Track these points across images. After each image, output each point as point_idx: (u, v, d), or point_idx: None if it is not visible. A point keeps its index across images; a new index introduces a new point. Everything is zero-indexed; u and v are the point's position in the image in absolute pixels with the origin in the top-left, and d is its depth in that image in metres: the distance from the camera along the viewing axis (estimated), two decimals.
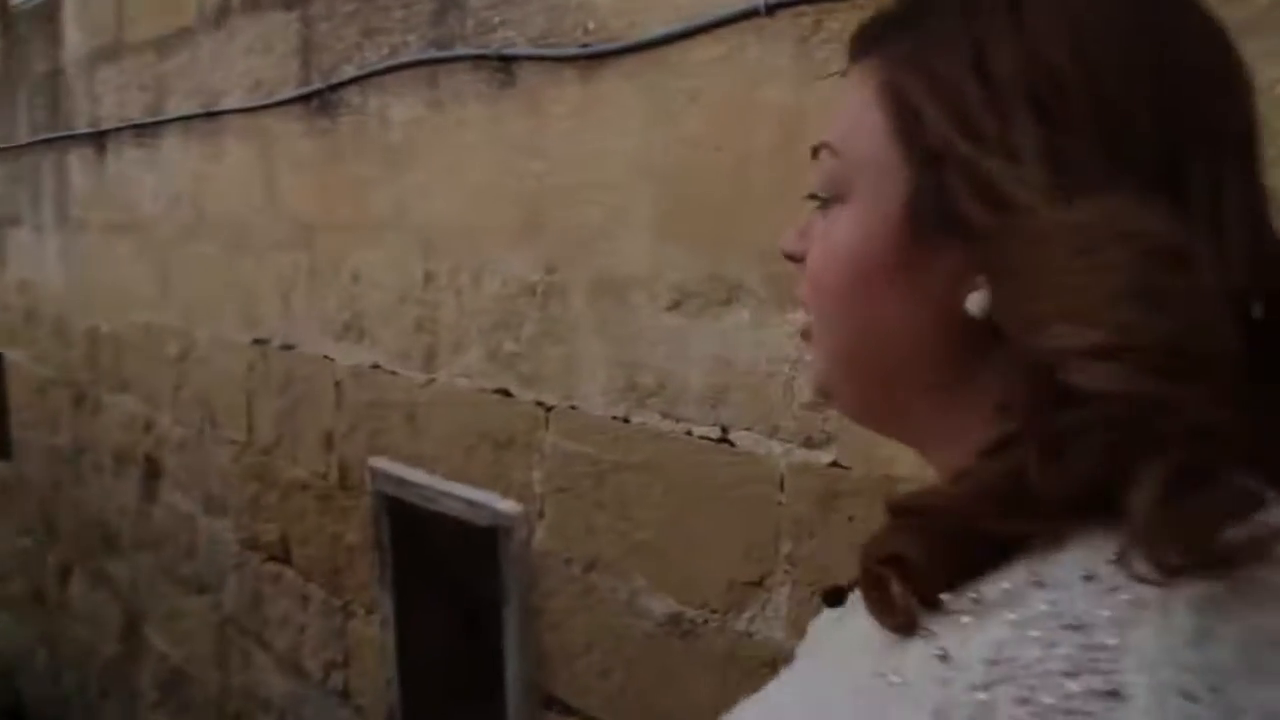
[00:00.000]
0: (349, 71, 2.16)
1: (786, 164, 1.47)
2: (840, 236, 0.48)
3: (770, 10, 1.42)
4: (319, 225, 2.38)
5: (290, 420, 2.61)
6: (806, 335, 0.54)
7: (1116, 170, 0.40)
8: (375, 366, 2.28)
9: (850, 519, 1.48)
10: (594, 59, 1.65)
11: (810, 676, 0.52)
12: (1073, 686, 0.33)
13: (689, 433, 1.65)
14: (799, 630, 1.59)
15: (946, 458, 0.47)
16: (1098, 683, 0.33)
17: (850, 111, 0.49)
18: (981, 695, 0.35)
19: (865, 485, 1.46)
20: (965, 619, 0.38)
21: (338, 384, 2.41)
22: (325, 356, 2.44)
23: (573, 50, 1.68)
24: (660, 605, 1.71)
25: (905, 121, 0.46)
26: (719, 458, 1.62)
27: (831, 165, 0.50)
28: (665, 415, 1.68)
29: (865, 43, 0.50)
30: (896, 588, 0.40)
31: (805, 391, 1.50)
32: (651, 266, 1.67)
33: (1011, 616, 0.36)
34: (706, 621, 1.66)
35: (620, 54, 1.61)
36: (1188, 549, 0.34)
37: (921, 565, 0.40)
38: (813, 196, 0.52)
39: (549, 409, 1.89)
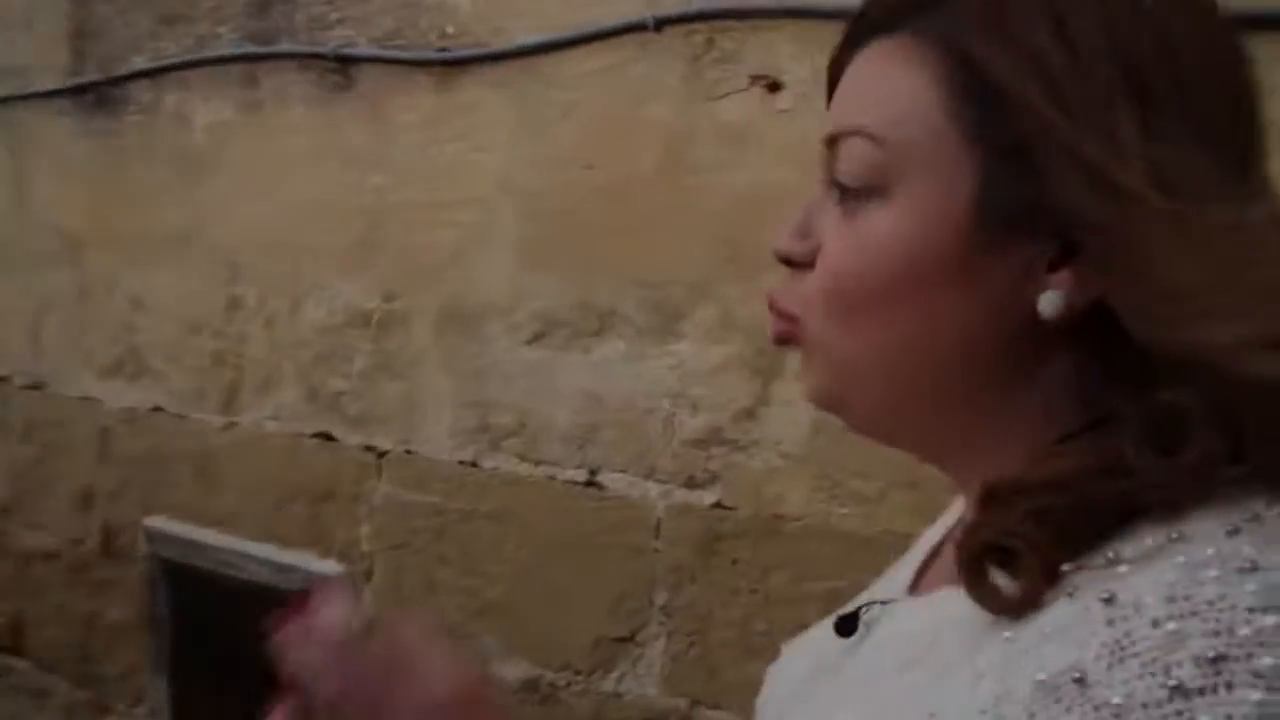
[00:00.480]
0: (139, 63, 1.86)
1: (670, 186, 1.39)
2: (883, 235, 0.43)
3: (659, 26, 1.35)
4: (89, 240, 2.02)
5: (33, 476, 2.17)
6: (789, 340, 0.48)
7: (1210, 159, 0.39)
8: (156, 409, 1.94)
9: (734, 562, 1.39)
10: (454, 65, 1.51)
11: (857, 702, 0.47)
12: (1266, 620, 0.33)
13: (552, 477, 1.51)
14: (675, 687, 1.46)
15: (981, 467, 0.43)
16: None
17: (888, 91, 0.44)
18: (1171, 625, 0.34)
19: (752, 526, 1.38)
20: (1122, 568, 0.37)
21: (104, 431, 2.03)
22: (87, 398, 2.06)
23: (428, 54, 1.53)
24: (514, 670, 1.53)
25: (980, 102, 0.41)
26: (586, 503, 1.48)
27: (870, 154, 0.43)
28: (524, 458, 1.53)
29: (890, 14, 0.45)
30: (1005, 573, 0.39)
31: (687, 427, 1.41)
32: (511, 294, 1.52)
33: (1180, 559, 0.35)
34: (569, 684, 1.50)
35: (485, 61, 1.48)
36: None
37: (1044, 539, 0.39)
38: (837, 186, 0.45)
39: (382, 454, 1.67)
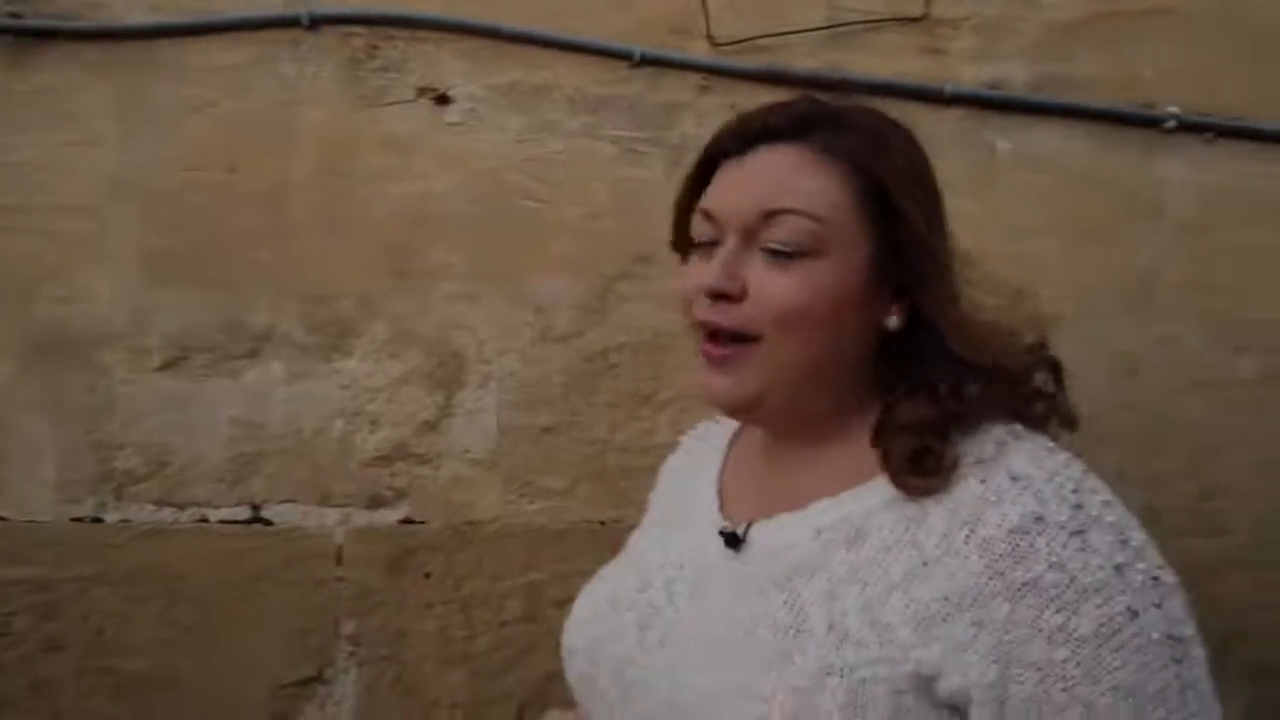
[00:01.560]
0: None
1: (330, 195, 1.32)
2: (819, 281, 0.65)
3: (314, 24, 1.27)
4: None
5: None
6: (727, 361, 0.67)
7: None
8: None
9: (427, 576, 1.39)
10: (37, 37, 1.24)
11: (764, 593, 0.67)
12: (1075, 469, 0.62)
13: (204, 520, 1.34)
14: (371, 715, 1.42)
15: (842, 426, 0.70)
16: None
17: (815, 186, 0.66)
18: (1050, 482, 0.60)
19: (443, 538, 1.38)
20: (996, 460, 0.63)
21: None
22: None
23: None
24: None
25: (875, 205, 0.66)
26: (249, 543, 1.35)
27: (812, 228, 0.65)
28: (164, 503, 1.33)
29: (792, 127, 0.67)
30: (923, 469, 0.64)
31: (367, 446, 1.36)
32: (134, 315, 1.31)
33: (1027, 448, 0.64)
34: None
35: (80, 38, 1.24)
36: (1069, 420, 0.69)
37: (941, 447, 0.64)
38: (770, 247, 0.66)
39: None
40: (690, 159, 1.33)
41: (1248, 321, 1.56)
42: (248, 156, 1.30)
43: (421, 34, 1.30)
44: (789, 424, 0.71)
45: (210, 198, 1.30)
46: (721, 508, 0.75)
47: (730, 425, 0.86)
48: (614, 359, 1.38)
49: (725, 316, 0.66)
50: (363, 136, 1.31)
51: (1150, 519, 1.63)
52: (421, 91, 1.32)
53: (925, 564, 0.60)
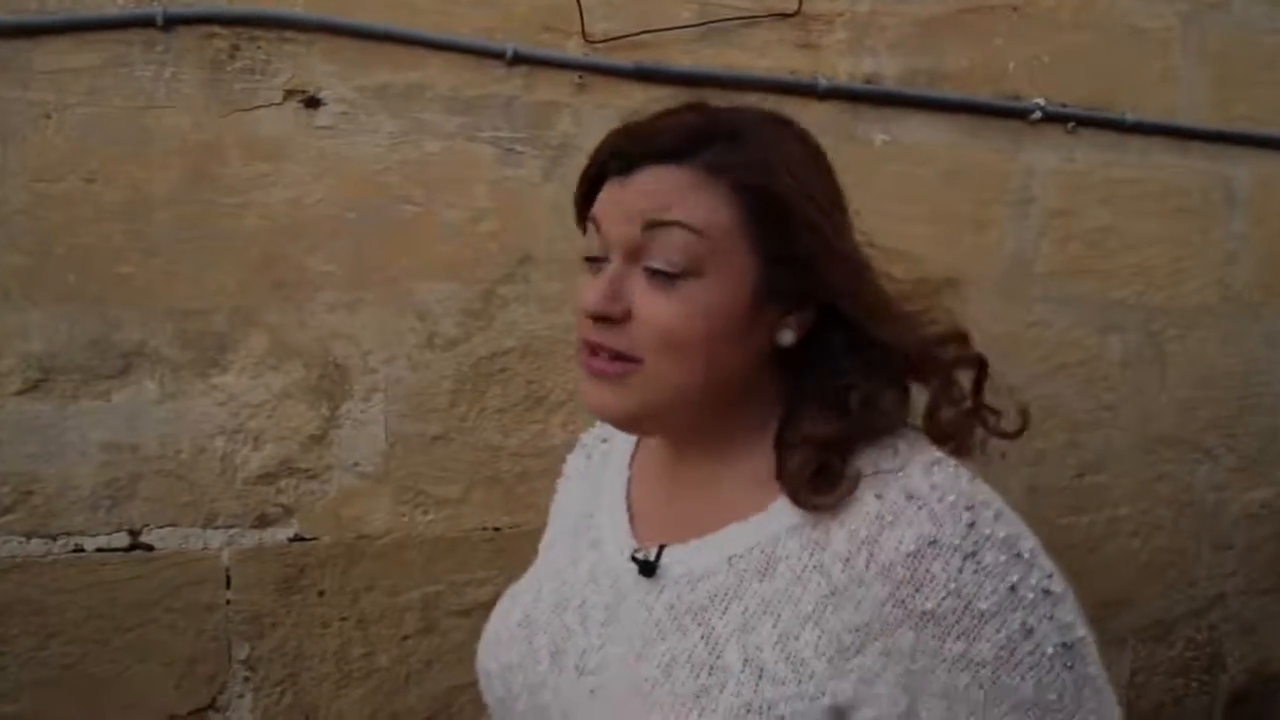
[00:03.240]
0: None
1: (198, 204, 1.27)
2: (700, 303, 0.63)
3: (169, 24, 1.22)
4: None
5: None
6: (608, 376, 0.65)
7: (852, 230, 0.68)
8: None
9: (321, 594, 1.35)
10: None
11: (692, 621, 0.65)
12: (950, 497, 0.61)
13: (79, 549, 1.28)
14: None
15: (744, 442, 0.68)
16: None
17: (696, 204, 0.63)
18: (943, 500, 0.61)
19: (335, 554, 1.35)
20: (894, 476, 0.63)
21: None
22: None
23: None
24: None
25: (764, 223, 0.63)
26: (129, 571, 1.29)
27: (692, 244, 0.63)
28: (33, 534, 1.26)
29: (677, 147, 0.64)
30: (821, 486, 0.64)
31: (251, 464, 1.31)
32: None
33: (922, 463, 0.63)
34: None
35: None
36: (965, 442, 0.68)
37: (841, 465, 0.64)
38: (652, 266, 0.63)
39: None
40: (570, 159, 1.33)
41: (1114, 302, 1.64)
42: (105, 165, 1.24)
43: (288, 34, 1.27)
44: (682, 439, 0.71)
45: (67, 210, 1.23)
46: (631, 524, 0.74)
47: None
48: (501, 363, 1.37)
49: (606, 338, 0.64)
50: (229, 142, 1.26)
51: (1033, 498, 1.69)
52: (289, 94, 1.28)
53: (834, 593, 0.60)
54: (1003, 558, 0.59)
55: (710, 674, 0.61)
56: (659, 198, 0.63)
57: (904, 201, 1.49)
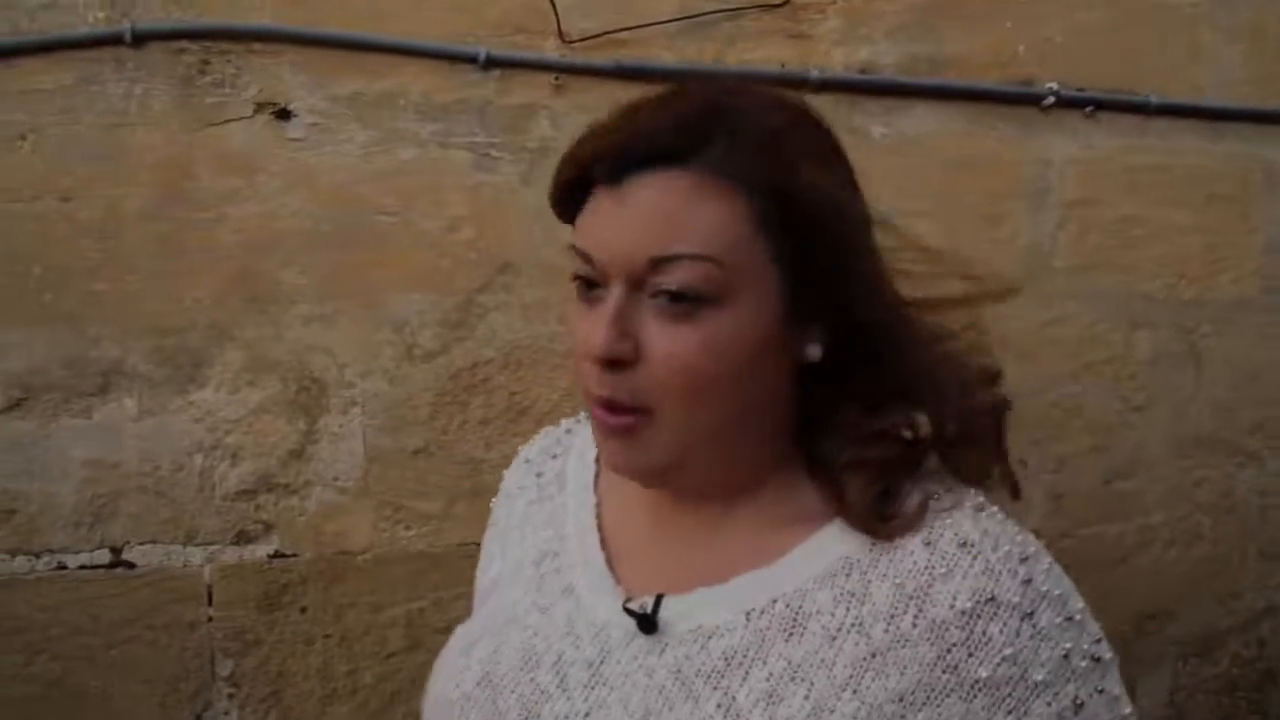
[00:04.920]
0: None
1: (171, 221, 1.26)
2: (725, 334, 0.55)
3: (138, 41, 1.21)
4: None
5: None
6: (628, 431, 0.57)
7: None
8: None
9: (303, 610, 1.33)
10: None
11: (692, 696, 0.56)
12: (1005, 548, 0.56)
13: (61, 566, 1.28)
14: None
15: (760, 477, 0.61)
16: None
17: (711, 223, 0.54)
18: (995, 553, 0.56)
19: (317, 569, 1.33)
20: (947, 517, 0.57)
21: None
22: None
23: None
24: None
25: (784, 232, 0.55)
26: (112, 588, 1.29)
27: (714, 274, 0.54)
28: (17, 552, 1.27)
29: (672, 147, 0.55)
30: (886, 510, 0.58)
31: (229, 479, 1.30)
32: None
33: (969, 507, 0.58)
34: None
35: None
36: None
37: (897, 491, 0.59)
38: (666, 295, 0.55)
39: None
40: (549, 163, 1.28)
41: (1140, 296, 1.53)
42: (79, 184, 1.23)
43: (256, 47, 1.25)
44: (708, 483, 0.61)
45: (42, 230, 1.23)
46: (610, 565, 0.64)
47: (587, 436, 0.73)
48: (482, 374, 1.33)
49: (618, 389, 0.56)
50: (200, 157, 1.25)
51: (1057, 507, 1.59)
52: (260, 107, 1.26)
53: (874, 655, 0.53)
54: (1058, 620, 0.54)
55: None
56: (661, 216, 0.54)
57: (908, 197, 1.41)
